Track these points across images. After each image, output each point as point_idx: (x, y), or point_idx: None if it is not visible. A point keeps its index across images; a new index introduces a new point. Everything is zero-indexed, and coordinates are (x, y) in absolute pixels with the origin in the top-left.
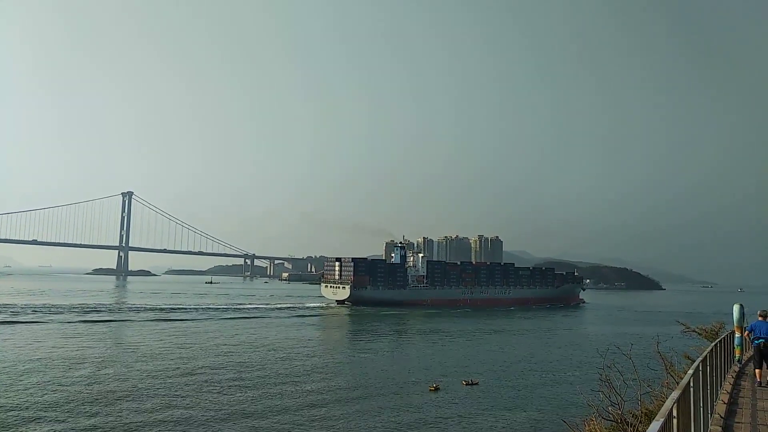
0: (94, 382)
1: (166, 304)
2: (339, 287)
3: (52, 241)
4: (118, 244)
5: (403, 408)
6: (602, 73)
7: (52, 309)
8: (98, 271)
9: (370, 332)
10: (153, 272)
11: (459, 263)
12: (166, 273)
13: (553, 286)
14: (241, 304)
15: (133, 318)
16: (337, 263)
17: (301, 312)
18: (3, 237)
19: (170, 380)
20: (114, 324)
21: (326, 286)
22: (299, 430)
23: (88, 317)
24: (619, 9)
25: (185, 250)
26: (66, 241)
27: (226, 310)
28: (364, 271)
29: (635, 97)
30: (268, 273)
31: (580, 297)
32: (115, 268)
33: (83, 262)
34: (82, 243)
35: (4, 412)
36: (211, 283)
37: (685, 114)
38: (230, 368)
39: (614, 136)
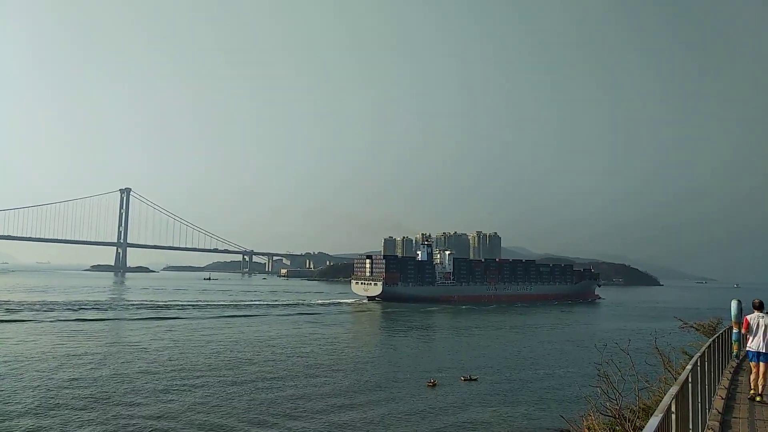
0: (126, 387)
1: (204, 301)
2: (370, 284)
3: (51, 237)
4: (116, 241)
5: (397, 404)
6: (606, 74)
7: (49, 306)
8: (96, 268)
9: (391, 329)
10: (151, 268)
11: (483, 260)
12: (164, 269)
13: (572, 282)
14: (275, 300)
15: (176, 315)
16: (367, 260)
17: (336, 308)
18: (1, 233)
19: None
20: (152, 322)
21: (357, 283)
22: (286, 421)
23: (109, 315)
24: (622, 8)
25: (183, 246)
26: (64, 238)
27: (258, 306)
28: (394, 268)
29: (638, 98)
30: (267, 269)
31: (596, 293)
32: (113, 264)
33: (81, 259)
34: (81, 239)
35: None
36: (209, 279)
37: (687, 115)
38: (238, 365)
39: (616, 136)
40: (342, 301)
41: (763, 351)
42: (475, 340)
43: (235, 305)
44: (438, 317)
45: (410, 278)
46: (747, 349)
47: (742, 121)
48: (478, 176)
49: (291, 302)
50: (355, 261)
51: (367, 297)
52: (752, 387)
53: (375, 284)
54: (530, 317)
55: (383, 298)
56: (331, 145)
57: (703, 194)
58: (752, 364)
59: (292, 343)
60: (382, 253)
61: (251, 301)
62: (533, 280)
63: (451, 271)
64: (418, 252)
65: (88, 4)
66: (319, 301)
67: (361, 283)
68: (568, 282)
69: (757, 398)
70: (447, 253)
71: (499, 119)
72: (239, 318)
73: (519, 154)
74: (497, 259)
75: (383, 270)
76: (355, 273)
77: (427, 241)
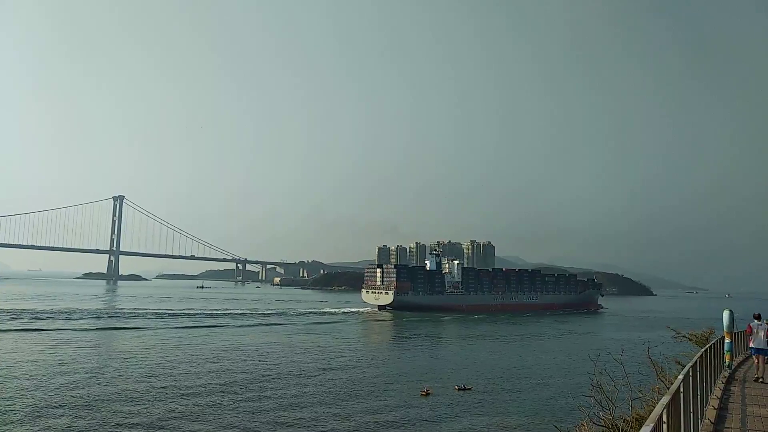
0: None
1: (215, 310)
2: (381, 293)
3: (43, 245)
4: (108, 248)
5: (387, 413)
6: (604, 81)
7: (40, 315)
8: (89, 276)
9: (402, 338)
10: (144, 276)
11: (491, 270)
12: (157, 277)
13: (576, 292)
14: (289, 309)
15: (175, 324)
16: (378, 270)
17: (349, 318)
18: None
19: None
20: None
21: (367, 292)
22: (276, 428)
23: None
24: (621, 13)
25: (177, 254)
26: (56, 245)
27: (268, 315)
28: (405, 277)
29: (637, 107)
30: (260, 278)
31: (599, 303)
32: (105, 272)
33: (74, 266)
34: (73, 247)
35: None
36: (202, 288)
37: (684, 125)
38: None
39: (613, 144)
40: (354, 310)
41: (763, 347)
42: (477, 349)
43: (260, 314)
44: (448, 326)
45: (420, 287)
46: (750, 346)
47: (735, 134)
48: (474, 185)
49: (303, 311)
50: (366, 269)
51: (378, 306)
52: (756, 372)
53: (386, 293)
54: (534, 327)
55: (394, 307)
56: (322, 154)
57: (695, 205)
58: (754, 357)
59: (296, 353)
60: (377, 262)
61: (264, 309)
62: (539, 289)
63: (460, 280)
64: (427, 261)
65: (76, 8)
66: (331, 310)
67: (372, 292)
68: (572, 292)
69: (760, 380)
70: (456, 262)
71: (495, 122)
72: (261, 327)
73: (513, 162)
74: (504, 269)
75: (394, 279)
76: (365, 282)
77: (435, 250)
